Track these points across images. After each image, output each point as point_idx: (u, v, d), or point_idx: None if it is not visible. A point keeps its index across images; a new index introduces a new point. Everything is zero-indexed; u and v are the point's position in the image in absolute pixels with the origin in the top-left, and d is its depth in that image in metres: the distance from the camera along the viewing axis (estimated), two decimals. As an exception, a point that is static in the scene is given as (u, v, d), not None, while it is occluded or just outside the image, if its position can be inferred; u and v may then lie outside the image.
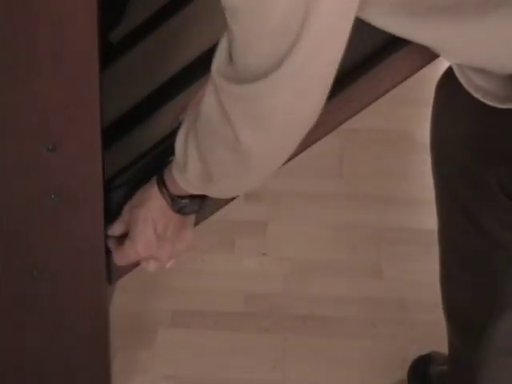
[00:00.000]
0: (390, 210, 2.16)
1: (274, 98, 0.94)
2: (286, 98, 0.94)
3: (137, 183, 1.24)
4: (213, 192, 1.14)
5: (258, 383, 1.72)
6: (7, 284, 1.35)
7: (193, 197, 1.16)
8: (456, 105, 1.19)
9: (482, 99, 1.08)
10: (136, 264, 1.32)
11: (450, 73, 1.15)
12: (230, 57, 0.96)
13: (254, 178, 1.09)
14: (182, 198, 1.16)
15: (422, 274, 1.95)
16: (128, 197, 1.24)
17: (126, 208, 1.22)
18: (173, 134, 1.25)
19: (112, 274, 1.32)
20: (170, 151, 1.21)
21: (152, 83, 1.42)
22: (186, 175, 1.11)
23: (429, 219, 2.12)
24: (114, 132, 1.34)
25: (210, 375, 1.72)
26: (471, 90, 1.09)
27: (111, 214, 1.26)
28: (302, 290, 1.92)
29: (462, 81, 1.11)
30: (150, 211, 1.18)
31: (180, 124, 1.20)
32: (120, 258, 1.25)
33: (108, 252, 1.30)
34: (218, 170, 1.06)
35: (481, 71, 1.07)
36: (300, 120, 0.98)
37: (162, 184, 1.16)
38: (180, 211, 1.18)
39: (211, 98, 1.01)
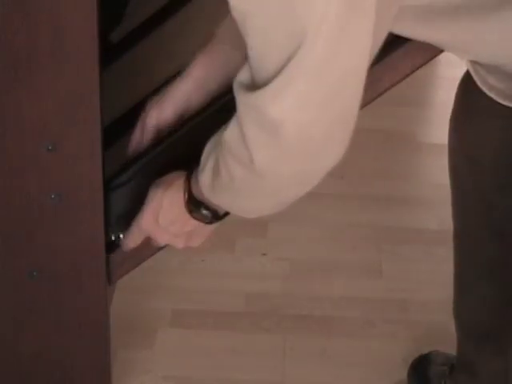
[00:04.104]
0: (390, 209, 2.16)
1: (281, 105, 0.91)
2: (293, 108, 0.91)
3: (136, 183, 1.24)
4: (222, 204, 1.13)
5: (257, 383, 1.72)
6: (7, 284, 1.35)
7: (207, 206, 1.15)
8: (480, 108, 1.17)
9: (495, 98, 1.08)
10: (136, 265, 1.32)
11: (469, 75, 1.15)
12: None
13: (264, 202, 1.08)
14: (199, 201, 1.15)
15: (422, 273, 1.95)
16: (127, 197, 1.24)
17: (153, 185, 1.21)
18: (172, 134, 1.26)
19: (112, 273, 1.33)
20: (170, 151, 1.21)
21: (152, 83, 1.42)
22: (201, 178, 1.11)
23: (429, 219, 2.12)
24: (114, 132, 1.34)
25: (210, 375, 1.72)
26: (485, 89, 1.09)
27: (111, 214, 1.26)
28: (301, 290, 1.92)
29: (476, 79, 1.11)
30: (162, 197, 1.18)
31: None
32: (128, 238, 1.25)
33: (108, 252, 1.30)
34: (232, 185, 1.05)
35: (494, 71, 1.07)
36: (315, 135, 0.94)
37: (187, 178, 1.15)
38: (191, 212, 1.17)
39: (234, 118, 1.00)
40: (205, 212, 1.16)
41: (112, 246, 1.29)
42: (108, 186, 1.25)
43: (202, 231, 1.22)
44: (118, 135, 1.36)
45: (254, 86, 0.94)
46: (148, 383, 1.70)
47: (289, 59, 0.88)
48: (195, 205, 1.15)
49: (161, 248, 1.28)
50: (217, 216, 1.17)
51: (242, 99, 0.96)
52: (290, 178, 1.01)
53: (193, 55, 1.26)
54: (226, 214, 1.18)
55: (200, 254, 1.99)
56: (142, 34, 1.53)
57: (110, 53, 1.48)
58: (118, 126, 1.38)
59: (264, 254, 2.01)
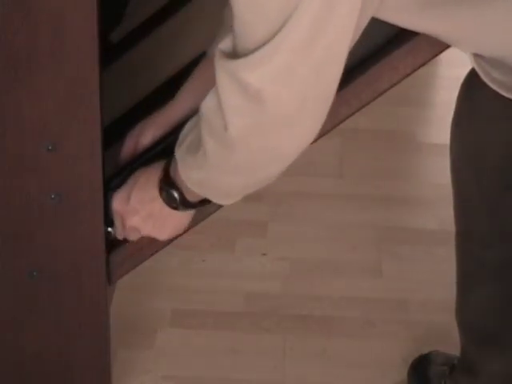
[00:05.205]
0: (390, 209, 2.16)
1: (262, 74, 0.92)
2: (273, 79, 0.93)
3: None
4: (193, 183, 1.14)
5: (257, 383, 1.72)
6: (7, 284, 1.35)
7: (178, 187, 1.16)
8: (482, 108, 1.17)
9: (497, 90, 1.08)
10: (136, 265, 1.32)
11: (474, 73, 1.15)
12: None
13: (234, 181, 1.08)
14: (172, 181, 1.16)
15: (422, 273, 1.95)
16: None
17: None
18: (171, 134, 1.26)
19: (112, 274, 1.33)
20: (169, 151, 1.22)
21: (152, 83, 1.42)
22: (176, 153, 1.12)
23: (429, 219, 2.12)
24: (114, 132, 1.34)
25: (210, 375, 1.72)
26: (487, 80, 1.09)
27: (110, 214, 1.26)
28: (301, 290, 1.92)
29: (479, 72, 1.11)
30: (139, 175, 1.20)
31: None
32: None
33: (108, 252, 1.30)
34: (205, 161, 1.06)
35: (498, 65, 1.08)
36: (291, 108, 0.95)
37: (169, 161, 1.17)
38: (161, 191, 1.17)
39: (212, 90, 1.01)
40: (174, 193, 1.16)
41: (112, 244, 1.29)
42: (108, 186, 1.25)
43: (168, 220, 1.21)
44: (118, 135, 1.36)
45: (235, 55, 0.95)
46: (148, 383, 1.70)
47: (275, 32, 0.90)
48: (167, 184, 1.16)
49: (161, 247, 1.28)
50: (185, 202, 1.17)
51: (224, 65, 0.96)
52: (260, 152, 1.02)
53: (192, 55, 1.26)
54: (199, 204, 1.18)
55: (200, 253, 1.99)
56: (142, 34, 1.53)
57: (110, 53, 1.48)
58: (118, 126, 1.38)
59: (264, 254, 2.01)
